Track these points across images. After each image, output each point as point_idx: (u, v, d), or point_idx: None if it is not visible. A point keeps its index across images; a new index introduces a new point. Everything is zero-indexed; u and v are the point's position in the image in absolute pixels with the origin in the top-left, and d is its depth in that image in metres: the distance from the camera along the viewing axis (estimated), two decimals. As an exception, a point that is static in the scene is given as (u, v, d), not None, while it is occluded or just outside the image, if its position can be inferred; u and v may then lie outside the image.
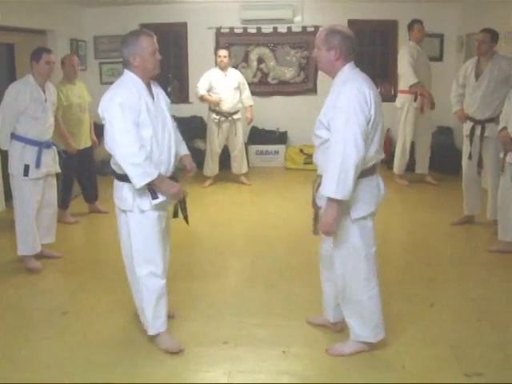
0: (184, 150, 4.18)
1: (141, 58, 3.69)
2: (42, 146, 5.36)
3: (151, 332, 3.94)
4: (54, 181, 5.68)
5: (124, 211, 3.85)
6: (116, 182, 3.86)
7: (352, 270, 3.69)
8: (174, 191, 3.76)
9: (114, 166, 3.82)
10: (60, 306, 4.61)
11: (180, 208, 4.03)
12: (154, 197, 3.72)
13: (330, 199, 3.42)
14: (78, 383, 3.54)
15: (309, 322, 4.21)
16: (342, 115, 3.35)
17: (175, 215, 4.05)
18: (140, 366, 3.75)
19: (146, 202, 3.75)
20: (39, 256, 5.49)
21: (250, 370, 3.73)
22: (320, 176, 3.61)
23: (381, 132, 3.55)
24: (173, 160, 3.84)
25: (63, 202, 6.92)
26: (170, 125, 3.85)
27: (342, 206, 3.49)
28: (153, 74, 3.81)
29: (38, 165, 5.30)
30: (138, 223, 3.81)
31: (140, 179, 3.60)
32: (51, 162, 5.52)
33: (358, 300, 3.73)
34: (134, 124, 3.61)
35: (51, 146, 5.53)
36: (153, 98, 3.78)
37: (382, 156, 3.70)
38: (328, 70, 3.60)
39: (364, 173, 3.52)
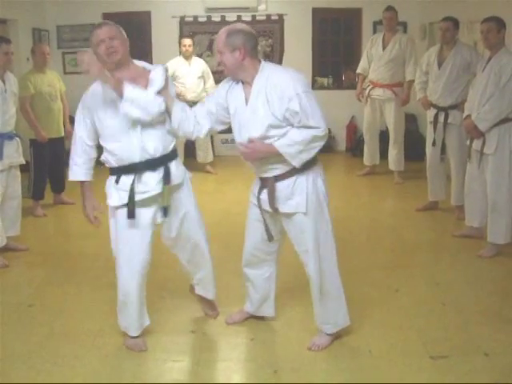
0: None
1: (94, 51, 3.48)
2: (3, 137, 5.28)
3: (120, 327, 3.88)
4: (18, 172, 5.60)
5: None
6: None
7: (329, 257, 3.66)
8: None
9: None
10: (26, 299, 4.56)
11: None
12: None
13: (276, 147, 3.38)
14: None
15: None
16: (307, 100, 3.32)
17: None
18: (107, 357, 3.73)
19: (114, 197, 3.62)
20: (4, 249, 5.40)
21: (219, 359, 3.76)
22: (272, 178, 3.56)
23: None
24: (139, 151, 3.53)
25: (35, 194, 6.85)
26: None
27: (320, 193, 3.54)
28: (108, 66, 3.47)
29: (0, 157, 5.22)
30: (110, 221, 3.71)
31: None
32: (14, 154, 5.45)
33: (336, 287, 3.72)
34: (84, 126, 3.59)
35: (14, 138, 5.46)
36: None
37: None
38: (237, 72, 3.47)
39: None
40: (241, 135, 3.51)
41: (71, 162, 3.69)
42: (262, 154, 3.45)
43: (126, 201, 3.56)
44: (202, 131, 3.64)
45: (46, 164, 6.86)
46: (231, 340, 3.93)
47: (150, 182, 3.59)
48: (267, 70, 3.45)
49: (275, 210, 3.58)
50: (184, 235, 3.86)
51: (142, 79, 3.54)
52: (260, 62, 3.48)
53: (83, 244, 5.84)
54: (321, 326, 3.81)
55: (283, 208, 3.56)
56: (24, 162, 5.71)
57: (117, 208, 3.62)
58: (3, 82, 5.34)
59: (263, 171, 3.58)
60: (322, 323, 3.79)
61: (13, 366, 3.62)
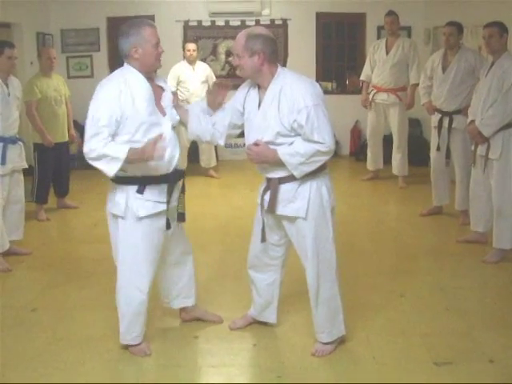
0: None
1: (143, 49, 3.48)
2: (6, 141, 5.29)
3: (122, 341, 3.80)
4: (21, 176, 5.60)
5: (115, 217, 3.59)
6: (110, 184, 3.62)
7: (328, 264, 3.63)
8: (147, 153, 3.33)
9: None
10: (29, 303, 4.56)
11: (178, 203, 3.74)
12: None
13: (279, 155, 3.40)
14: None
15: None
16: (315, 114, 3.31)
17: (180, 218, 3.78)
18: (110, 362, 3.72)
19: (143, 208, 3.52)
20: (7, 253, 5.39)
21: (221, 364, 3.72)
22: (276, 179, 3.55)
23: None
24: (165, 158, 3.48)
25: (39, 198, 6.84)
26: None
27: (323, 199, 3.53)
28: (154, 69, 3.62)
29: (3, 161, 5.22)
30: (129, 231, 3.56)
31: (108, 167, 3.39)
32: (17, 158, 5.45)
33: (332, 295, 3.68)
34: (109, 119, 3.36)
35: (17, 142, 5.46)
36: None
37: None
38: (254, 76, 3.48)
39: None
40: (250, 138, 3.53)
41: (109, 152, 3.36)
42: (266, 159, 3.46)
43: (152, 211, 3.54)
44: (222, 139, 3.70)
45: (49, 168, 6.86)
46: (234, 345, 3.91)
47: (174, 193, 3.67)
48: (283, 77, 3.44)
49: (273, 211, 3.58)
50: (176, 238, 3.89)
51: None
52: (277, 67, 3.47)
53: (86, 248, 5.83)
54: (316, 335, 3.79)
55: (284, 210, 3.57)
56: (27, 167, 5.70)
57: (141, 218, 3.54)
58: (6, 85, 5.35)
59: (269, 171, 3.58)
60: (318, 331, 3.77)
61: (15, 370, 3.61)
